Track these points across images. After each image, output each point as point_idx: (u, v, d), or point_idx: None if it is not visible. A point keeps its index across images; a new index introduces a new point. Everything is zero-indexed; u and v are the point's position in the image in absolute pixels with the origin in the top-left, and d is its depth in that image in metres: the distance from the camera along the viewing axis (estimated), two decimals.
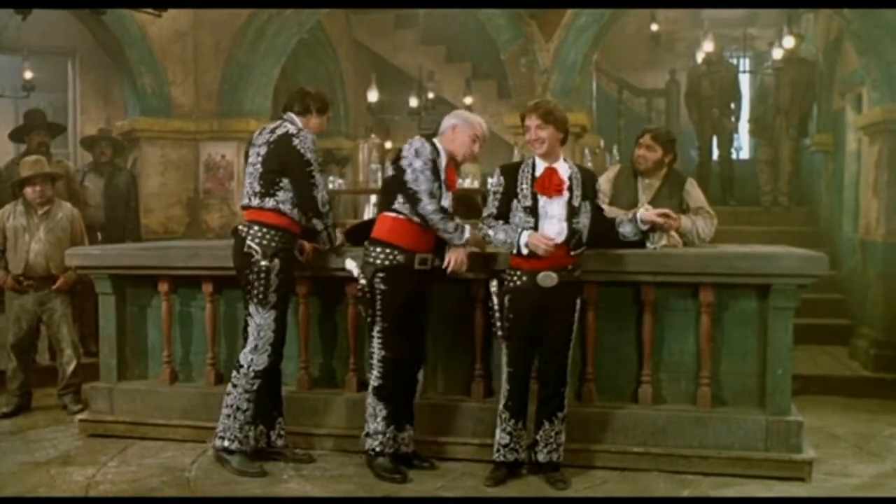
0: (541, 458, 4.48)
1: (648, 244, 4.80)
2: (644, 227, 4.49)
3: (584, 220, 4.37)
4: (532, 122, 4.35)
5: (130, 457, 4.99)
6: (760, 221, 9.88)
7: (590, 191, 4.44)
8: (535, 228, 4.30)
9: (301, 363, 5.21)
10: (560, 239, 4.30)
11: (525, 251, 4.28)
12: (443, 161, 4.48)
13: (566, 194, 4.34)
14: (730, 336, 4.79)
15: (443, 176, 4.45)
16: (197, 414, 5.28)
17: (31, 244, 5.97)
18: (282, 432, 4.84)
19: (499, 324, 4.41)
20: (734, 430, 4.65)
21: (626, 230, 4.53)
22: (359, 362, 5.12)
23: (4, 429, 5.66)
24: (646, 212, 4.54)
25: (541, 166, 4.38)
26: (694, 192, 5.27)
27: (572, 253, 4.35)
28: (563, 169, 4.39)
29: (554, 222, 4.31)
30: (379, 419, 4.52)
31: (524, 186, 4.36)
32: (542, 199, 4.32)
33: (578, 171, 4.45)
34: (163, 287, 5.37)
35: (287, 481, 4.57)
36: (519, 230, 4.30)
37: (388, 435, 4.53)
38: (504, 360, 4.47)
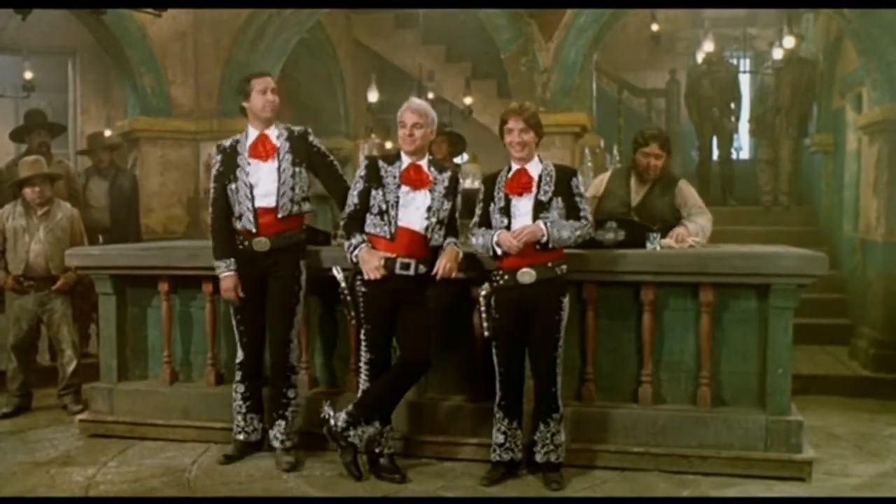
0: (538, 458, 4.48)
1: (648, 244, 4.82)
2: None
3: (553, 216, 4.37)
4: (517, 125, 4.40)
5: (130, 457, 4.99)
6: (760, 221, 9.88)
7: (564, 187, 4.43)
8: (510, 228, 4.37)
9: (302, 363, 5.21)
10: None
11: (499, 251, 4.36)
12: (393, 168, 4.50)
13: (534, 191, 4.40)
14: (730, 336, 4.79)
15: (389, 181, 4.47)
16: (197, 414, 5.29)
17: (31, 245, 5.96)
18: (279, 434, 4.79)
19: (485, 324, 4.44)
20: (734, 430, 4.65)
21: (606, 237, 4.69)
22: (359, 362, 5.11)
23: (4, 429, 5.66)
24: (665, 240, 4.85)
25: (514, 168, 4.47)
26: (687, 192, 5.28)
27: (537, 247, 4.33)
28: (535, 168, 4.45)
29: (526, 220, 4.37)
30: (375, 421, 4.51)
31: (500, 189, 4.46)
32: (513, 199, 4.41)
33: (554, 169, 4.48)
34: (163, 287, 5.37)
35: (287, 481, 4.57)
36: (493, 233, 4.37)
37: (384, 435, 4.53)
38: (495, 360, 4.48)
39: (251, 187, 4.67)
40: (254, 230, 4.67)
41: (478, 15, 8.10)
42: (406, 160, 4.52)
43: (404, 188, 4.46)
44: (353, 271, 4.51)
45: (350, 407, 4.48)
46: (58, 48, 10.66)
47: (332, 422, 4.45)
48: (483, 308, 4.44)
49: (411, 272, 4.45)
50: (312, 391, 5.23)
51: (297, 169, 4.74)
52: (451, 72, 12.74)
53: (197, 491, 4.46)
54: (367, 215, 4.51)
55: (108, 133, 9.11)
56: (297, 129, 4.84)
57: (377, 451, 4.55)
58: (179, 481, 4.59)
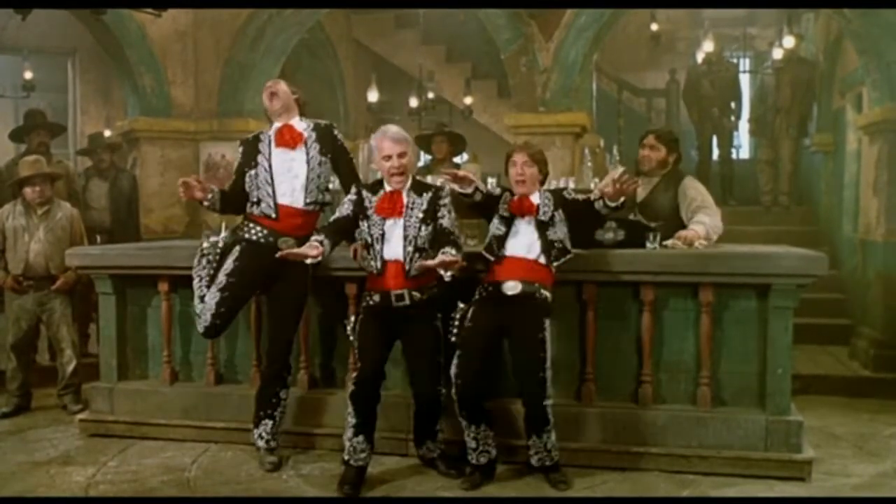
0: (533, 462, 4.49)
1: (648, 244, 4.82)
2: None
3: (560, 230, 4.47)
4: (520, 158, 4.52)
5: (130, 456, 4.99)
6: (760, 221, 9.88)
7: (560, 200, 4.55)
8: (505, 237, 4.48)
9: (301, 363, 5.21)
10: (531, 255, 4.44)
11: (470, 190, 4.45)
12: (376, 199, 4.47)
13: (535, 214, 4.49)
14: (730, 336, 4.79)
15: (372, 213, 4.45)
16: (197, 414, 5.29)
17: (31, 244, 5.97)
18: (264, 434, 4.78)
19: (455, 331, 4.44)
20: (734, 430, 4.65)
21: (606, 237, 4.65)
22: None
23: (4, 429, 5.66)
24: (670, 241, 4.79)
25: (518, 193, 4.55)
26: (689, 187, 5.25)
27: (555, 264, 4.43)
28: (535, 198, 4.55)
29: (525, 238, 4.46)
30: (348, 427, 4.45)
31: (505, 201, 4.55)
32: (517, 218, 4.50)
33: (550, 195, 4.58)
34: (163, 287, 5.37)
35: (287, 481, 4.58)
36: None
37: (352, 445, 4.42)
38: (453, 370, 4.42)
39: (271, 172, 4.71)
40: (273, 216, 4.69)
41: (478, 15, 8.10)
42: (387, 188, 4.50)
43: (388, 221, 4.43)
44: (358, 312, 4.56)
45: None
46: (57, 48, 10.66)
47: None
48: (457, 316, 4.47)
49: (407, 301, 4.40)
50: (311, 391, 5.23)
51: (324, 159, 4.79)
52: (452, 72, 12.74)
53: (197, 491, 4.46)
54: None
55: (107, 133, 9.12)
56: (322, 122, 4.91)
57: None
58: (179, 481, 4.59)
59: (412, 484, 4.51)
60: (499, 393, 4.75)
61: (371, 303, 4.48)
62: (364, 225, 4.48)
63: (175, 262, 5.29)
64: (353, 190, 4.62)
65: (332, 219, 4.61)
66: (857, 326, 7.76)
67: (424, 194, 4.49)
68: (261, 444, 4.79)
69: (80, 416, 5.56)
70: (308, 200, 4.74)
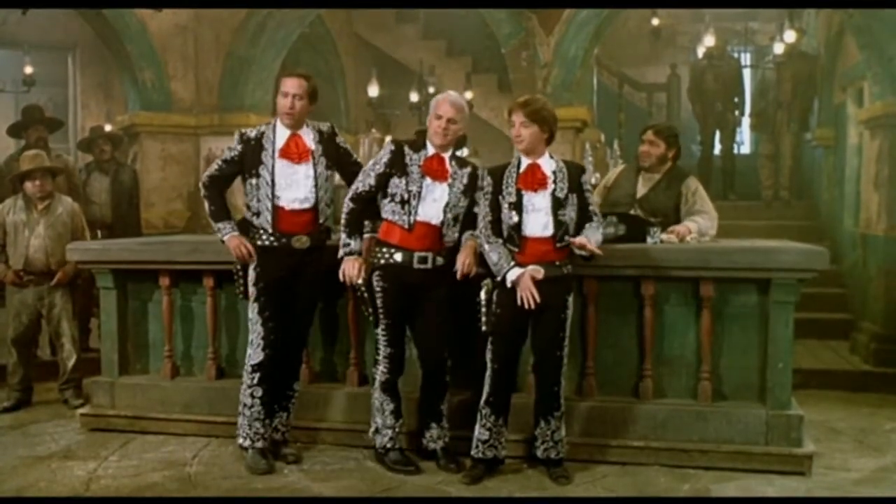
0: (539, 454, 4.49)
1: (649, 239, 4.81)
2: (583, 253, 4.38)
3: (570, 213, 4.37)
4: (517, 118, 4.37)
5: (131, 451, 5.00)
6: (761, 216, 9.88)
7: (576, 184, 4.43)
8: (520, 224, 4.32)
9: (302, 358, 5.21)
10: (547, 233, 4.33)
11: (508, 285, 4.29)
12: (418, 157, 4.46)
13: (550, 187, 4.36)
14: (730, 330, 4.78)
15: (413, 170, 4.43)
16: (198, 408, 5.29)
17: (31, 239, 5.96)
18: (280, 426, 4.79)
19: (483, 318, 4.41)
20: (734, 425, 4.65)
21: (606, 232, 4.57)
22: (359, 357, 5.13)
23: (5, 423, 5.67)
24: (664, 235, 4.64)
25: (525, 163, 4.42)
26: (692, 189, 5.24)
27: (558, 245, 4.35)
28: (547, 164, 4.42)
29: (540, 216, 4.33)
30: (386, 413, 4.55)
31: (510, 183, 4.39)
32: (526, 195, 4.35)
33: (565, 166, 4.47)
34: (164, 282, 5.37)
35: (287, 475, 4.58)
36: (511, 263, 4.30)
37: (396, 430, 4.57)
38: (488, 355, 4.45)
39: (273, 186, 4.56)
40: (270, 230, 4.58)
41: (478, 9, 8.10)
42: (431, 150, 4.50)
43: (426, 179, 4.44)
44: (373, 268, 4.49)
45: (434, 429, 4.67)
46: (58, 43, 10.66)
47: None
48: (483, 302, 4.41)
49: (429, 265, 4.44)
50: (312, 385, 5.23)
51: (329, 172, 4.69)
52: (452, 66, 12.74)
53: (198, 485, 4.46)
54: (386, 202, 4.47)
55: (108, 128, 9.11)
56: (325, 129, 4.74)
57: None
58: (180, 475, 4.59)
59: (413, 479, 4.50)
60: None
61: (391, 261, 4.44)
62: (400, 181, 4.44)
63: (176, 257, 5.30)
64: (391, 147, 4.54)
65: (359, 193, 4.50)
66: (858, 321, 7.76)
67: (464, 168, 4.55)
68: (276, 437, 4.78)
69: (81, 410, 5.56)
70: (321, 219, 4.66)
